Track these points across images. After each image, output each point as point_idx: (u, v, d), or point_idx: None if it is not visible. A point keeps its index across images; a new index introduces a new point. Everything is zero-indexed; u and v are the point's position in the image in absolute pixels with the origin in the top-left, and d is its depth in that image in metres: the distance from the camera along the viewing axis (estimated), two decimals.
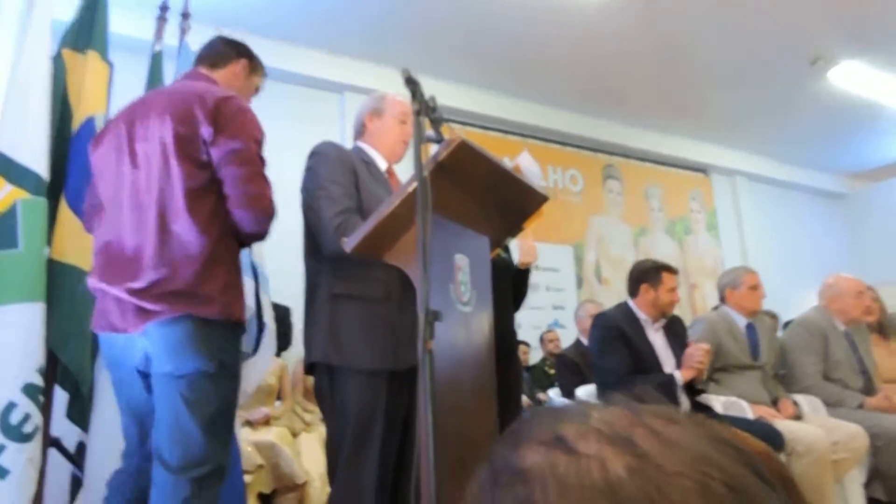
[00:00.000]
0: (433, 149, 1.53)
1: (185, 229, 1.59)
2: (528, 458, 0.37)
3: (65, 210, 2.23)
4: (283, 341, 3.57)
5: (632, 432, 0.37)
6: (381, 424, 1.72)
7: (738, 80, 5.86)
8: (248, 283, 2.46)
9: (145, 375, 1.64)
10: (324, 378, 1.79)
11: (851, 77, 5.84)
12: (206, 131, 1.61)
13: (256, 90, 2.01)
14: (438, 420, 1.23)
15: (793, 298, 6.06)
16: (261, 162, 1.67)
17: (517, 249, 2.64)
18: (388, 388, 1.74)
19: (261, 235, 1.72)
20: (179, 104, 1.65)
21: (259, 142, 1.69)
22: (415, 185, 1.35)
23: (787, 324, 3.71)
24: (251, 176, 1.62)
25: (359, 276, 1.78)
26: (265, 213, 1.66)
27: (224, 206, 1.64)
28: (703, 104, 6.34)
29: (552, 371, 4.79)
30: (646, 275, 2.81)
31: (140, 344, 1.61)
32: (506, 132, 6.05)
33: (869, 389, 3.13)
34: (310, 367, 1.85)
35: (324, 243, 1.79)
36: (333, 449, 1.76)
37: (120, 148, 1.70)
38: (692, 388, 2.71)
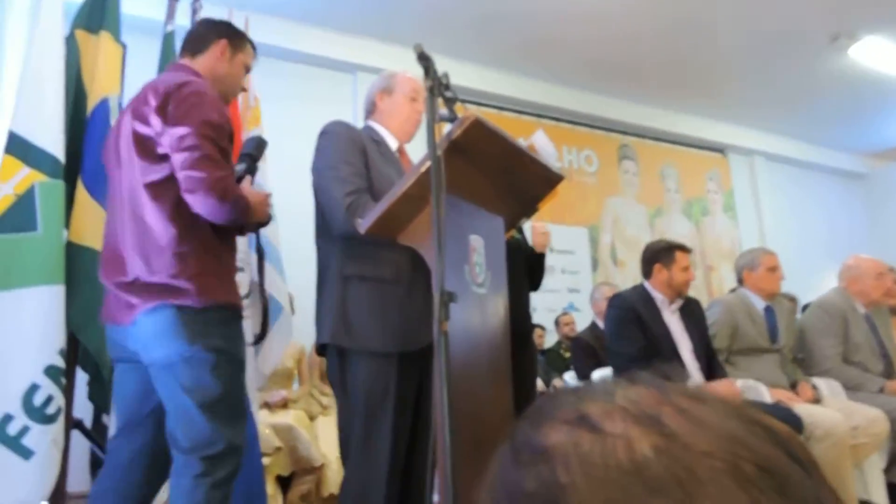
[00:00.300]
0: (447, 129, 1.51)
1: (153, 222, 1.62)
2: (551, 436, 0.36)
3: (82, 192, 2.25)
4: None
5: (659, 411, 0.35)
6: (392, 406, 1.71)
7: (757, 58, 5.74)
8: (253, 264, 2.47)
9: (139, 368, 1.67)
10: (334, 359, 1.79)
11: (873, 53, 5.69)
12: (155, 123, 1.62)
13: (247, 69, 1.93)
14: (453, 402, 1.23)
15: (812, 280, 5.98)
16: (210, 144, 1.62)
17: (531, 234, 2.64)
18: (399, 369, 1.74)
19: (229, 221, 1.67)
20: (139, 100, 1.68)
21: (211, 124, 1.63)
22: (428, 164, 1.34)
23: (805, 306, 3.67)
24: (195, 160, 1.59)
25: (370, 256, 1.77)
26: (213, 196, 1.59)
27: None
28: (720, 83, 6.22)
29: (567, 354, 4.77)
30: (658, 255, 2.79)
31: (132, 337, 1.65)
32: (520, 112, 5.98)
33: (890, 373, 3.08)
34: (321, 349, 1.85)
35: (334, 224, 1.78)
36: (345, 430, 1.77)
37: (111, 147, 1.75)
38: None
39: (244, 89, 1.95)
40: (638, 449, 0.33)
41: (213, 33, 1.86)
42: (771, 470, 0.33)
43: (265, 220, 1.85)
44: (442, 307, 1.25)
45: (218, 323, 1.64)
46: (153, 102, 1.63)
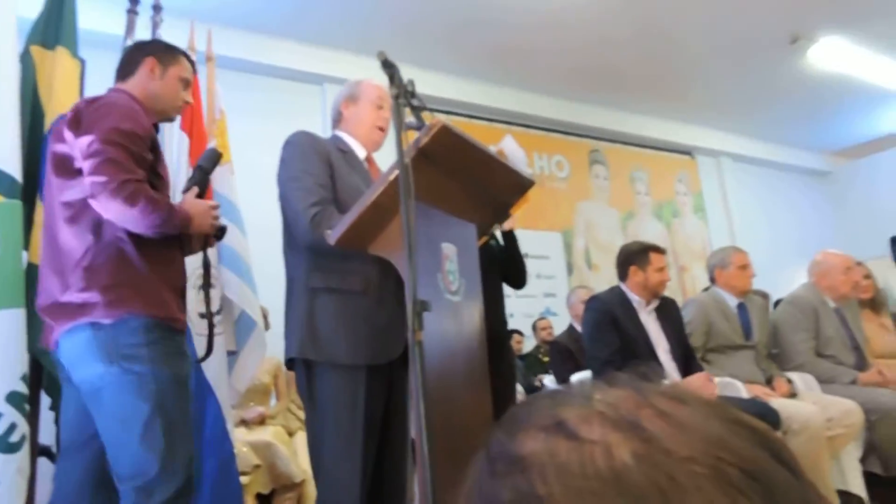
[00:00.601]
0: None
1: (67, 239, 1.61)
2: (527, 444, 0.35)
3: (41, 212, 2.18)
4: None
5: (638, 415, 0.34)
6: (362, 418, 1.68)
7: (721, 62, 5.86)
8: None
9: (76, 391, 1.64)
10: (302, 373, 1.75)
11: (831, 54, 5.85)
12: (69, 137, 1.62)
13: (185, 82, 1.86)
14: (431, 411, 1.21)
15: (782, 277, 6.08)
16: (117, 149, 1.57)
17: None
18: (367, 381, 1.70)
19: (149, 228, 1.60)
20: (59, 122, 1.69)
21: (120, 130, 1.59)
22: (396, 172, 1.32)
23: (777, 302, 3.72)
24: (97, 165, 1.55)
25: (337, 268, 1.74)
26: (118, 199, 1.53)
27: None
28: (686, 86, 6.34)
29: (546, 359, 4.78)
30: (633, 256, 2.80)
31: (61, 359, 1.63)
32: (490, 120, 6.02)
33: (861, 365, 3.13)
34: (290, 362, 1.81)
35: (298, 235, 1.75)
36: (315, 444, 1.73)
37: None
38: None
39: (187, 102, 1.90)
40: (617, 456, 0.32)
41: (141, 53, 1.83)
42: (755, 474, 0.31)
43: (213, 232, 1.81)
44: (415, 316, 1.24)
45: (142, 342, 1.57)
46: (68, 120, 1.62)
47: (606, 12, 4.90)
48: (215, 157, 1.90)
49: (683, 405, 0.35)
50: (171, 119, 1.92)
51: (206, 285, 2.06)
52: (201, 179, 1.84)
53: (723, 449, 0.32)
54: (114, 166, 1.55)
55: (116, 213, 1.55)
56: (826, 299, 3.26)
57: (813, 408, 2.58)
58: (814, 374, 3.06)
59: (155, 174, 1.69)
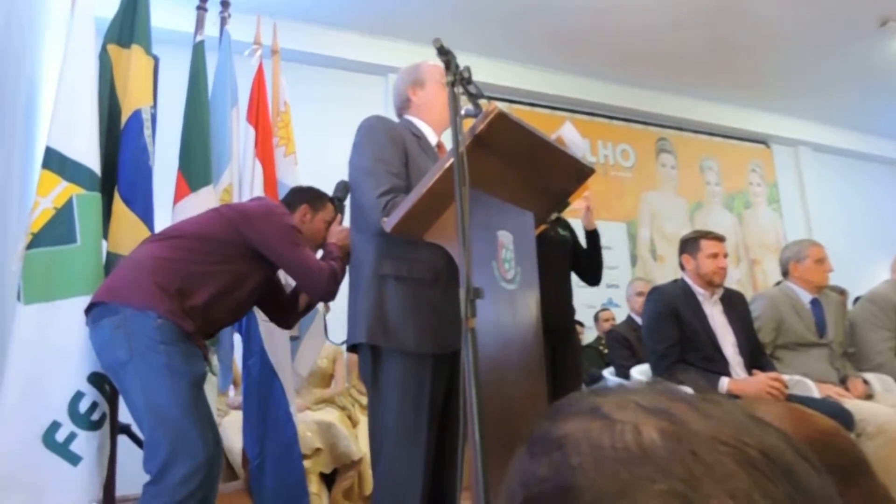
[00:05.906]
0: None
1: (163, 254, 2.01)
2: (565, 427, 0.39)
3: (118, 203, 2.29)
4: None
5: (669, 405, 0.37)
6: (428, 405, 1.70)
7: (801, 45, 5.55)
8: None
9: None
10: (367, 357, 1.77)
11: None
12: (242, 226, 2.06)
13: (327, 224, 2.30)
14: (484, 399, 1.21)
15: (862, 274, 5.76)
16: (311, 258, 2.11)
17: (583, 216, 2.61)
18: (432, 370, 1.72)
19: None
20: (236, 208, 2.19)
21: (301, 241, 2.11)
22: (452, 160, 1.32)
23: (857, 300, 3.52)
24: (320, 284, 2.10)
25: (407, 256, 1.74)
26: (330, 288, 2.12)
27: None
28: (762, 71, 6.03)
29: (606, 350, 4.70)
30: (685, 245, 2.75)
31: None
32: (553, 108, 5.92)
33: None
34: (353, 347, 1.83)
35: (372, 224, 1.75)
36: (377, 427, 1.74)
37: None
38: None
39: (325, 240, 2.29)
40: (645, 433, 0.35)
41: (297, 199, 2.29)
42: (776, 458, 0.33)
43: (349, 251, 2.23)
44: (468, 304, 1.24)
45: (158, 339, 1.82)
46: (244, 211, 2.10)
47: None
48: (346, 188, 2.31)
49: (714, 404, 0.38)
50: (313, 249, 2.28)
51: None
52: (340, 209, 2.34)
53: (746, 434, 0.34)
54: (320, 276, 2.06)
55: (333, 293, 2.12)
56: None
57: (890, 410, 2.44)
58: (893, 375, 2.89)
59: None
